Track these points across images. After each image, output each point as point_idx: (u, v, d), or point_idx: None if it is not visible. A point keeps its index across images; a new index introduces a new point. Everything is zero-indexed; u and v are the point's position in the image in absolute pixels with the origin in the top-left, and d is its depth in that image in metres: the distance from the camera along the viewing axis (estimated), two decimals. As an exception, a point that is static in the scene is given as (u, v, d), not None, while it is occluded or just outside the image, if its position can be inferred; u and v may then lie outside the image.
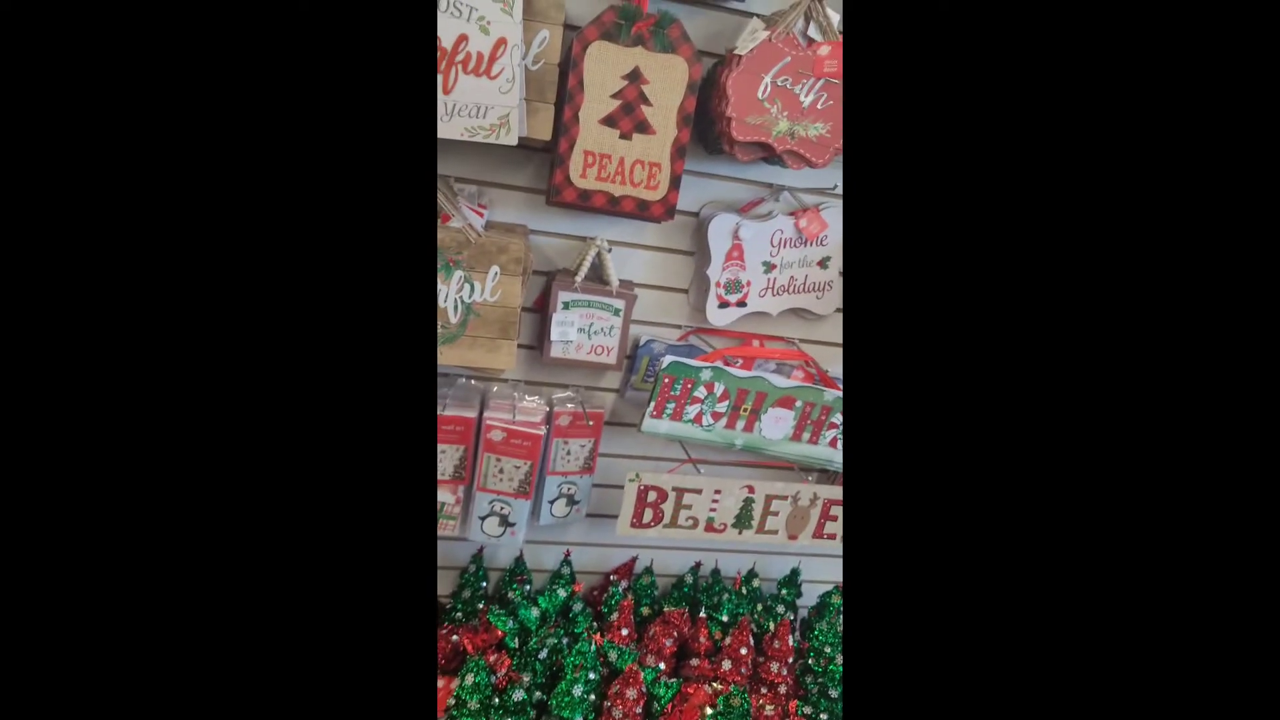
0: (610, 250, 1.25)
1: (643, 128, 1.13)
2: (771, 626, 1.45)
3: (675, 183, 1.17)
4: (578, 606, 1.43)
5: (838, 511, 1.39)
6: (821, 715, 1.38)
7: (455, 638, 1.31)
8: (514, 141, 1.06)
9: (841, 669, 1.39)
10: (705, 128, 1.20)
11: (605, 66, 1.09)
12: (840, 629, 1.50)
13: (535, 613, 1.36)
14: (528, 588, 1.44)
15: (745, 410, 1.29)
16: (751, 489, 1.34)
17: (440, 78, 1.01)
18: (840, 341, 1.46)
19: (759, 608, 1.53)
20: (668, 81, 1.11)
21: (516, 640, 1.31)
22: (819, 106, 1.15)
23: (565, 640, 1.31)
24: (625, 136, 1.13)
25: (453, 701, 1.22)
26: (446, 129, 1.04)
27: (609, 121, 1.12)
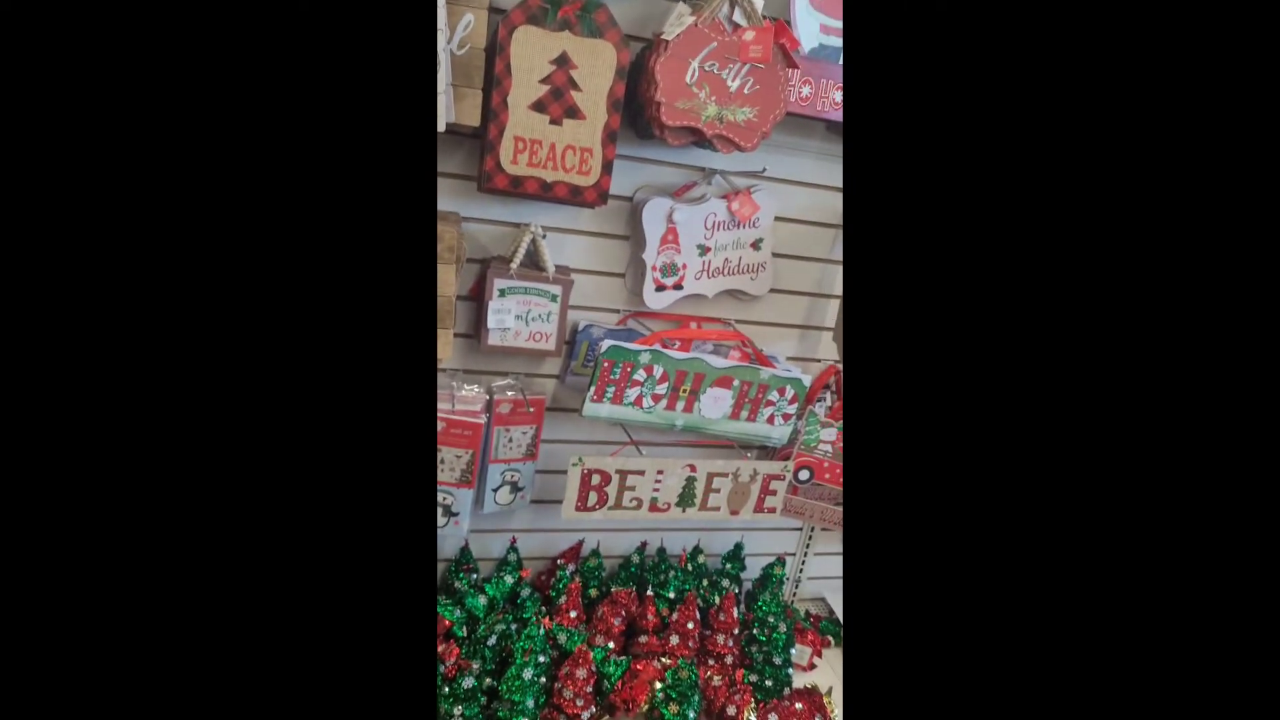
0: (545, 236, 1.25)
1: (573, 113, 1.13)
2: (717, 600, 1.49)
3: (607, 168, 1.17)
4: (525, 592, 1.44)
5: (777, 486, 1.43)
6: (767, 682, 1.44)
7: (402, 630, 1.30)
8: (442, 128, 1.04)
9: (784, 636, 1.44)
10: (635, 113, 1.20)
11: (532, 51, 1.08)
12: (783, 598, 1.56)
13: (483, 600, 1.36)
14: (475, 576, 1.44)
15: (684, 391, 1.32)
16: (693, 468, 1.37)
17: (362, 63, 0.99)
18: (774, 322, 1.50)
19: (704, 583, 1.57)
20: (596, 66, 1.11)
21: (465, 629, 1.31)
22: (745, 91, 1.18)
23: (514, 626, 1.32)
24: (555, 122, 1.13)
25: (402, 693, 1.21)
26: (371, 115, 1.02)
27: (538, 107, 1.11)
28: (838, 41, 1.28)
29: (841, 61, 1.27)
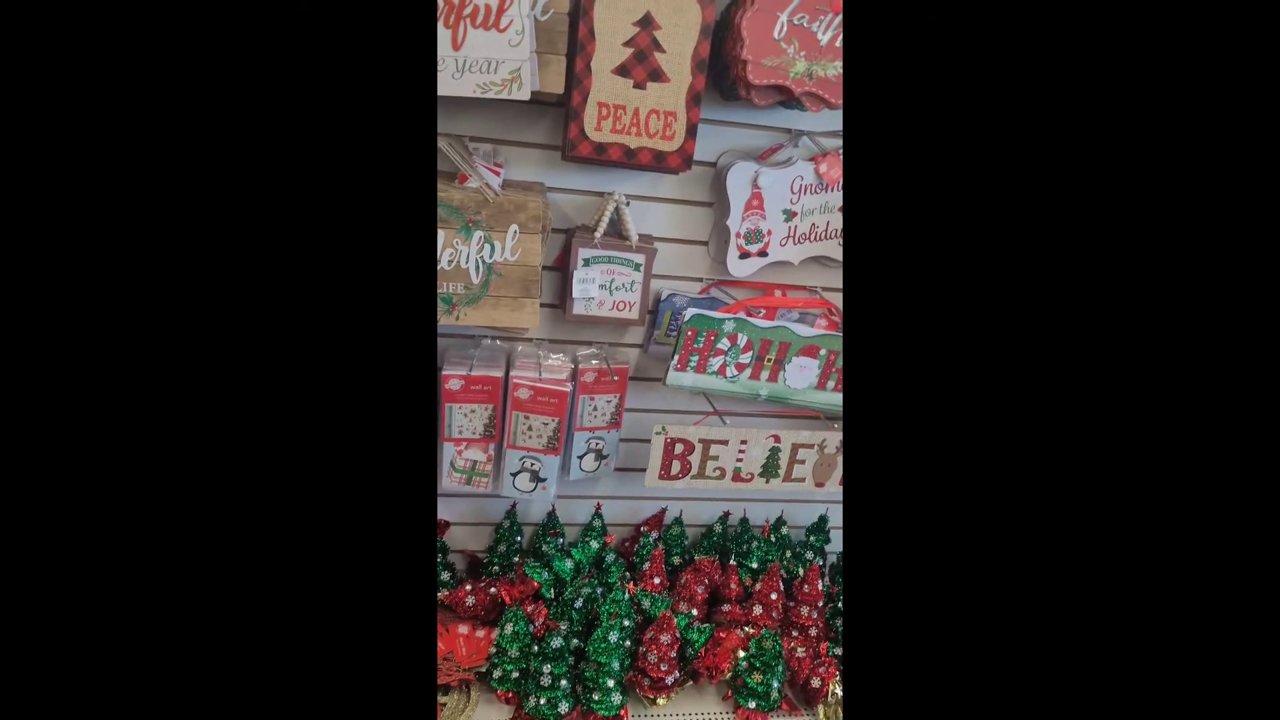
0: (628, 204, 1.24)
1: (656, 76, 1.11)
2: (801, 572, 1.47)
3: (691, 132, 1.15)
4: (610, 557, 1.47)
5: (865, 458, 1.39)
6: (852, 655, 1.41)
7: (493, 590, 1.35)
8: (526, 96, 1.05)
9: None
10: (720, 73, 1.17)
11: (615, 13, 1.06)
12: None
13: (569, 564, 1.39)
14: (561, 540, 1.48)
15: (769, 360, 1.29)
16: (777, 438, 1.35)
17: (449, 33, 1.00)
18: (864, 288, 1.44)
19: (788, 554, 1.55)
20: (680, 26, 1.08)
21: (552, 591, 1.35)
22: (838, 44, 1.12)
23: (599, 590, 1.35)
24: (639, 86, 1.11)
25: (494, 650, 1.26)
26: (458, 86, 1.03)
27: (622, 71, 1.10)
28: (937, -14, 1.19)
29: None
